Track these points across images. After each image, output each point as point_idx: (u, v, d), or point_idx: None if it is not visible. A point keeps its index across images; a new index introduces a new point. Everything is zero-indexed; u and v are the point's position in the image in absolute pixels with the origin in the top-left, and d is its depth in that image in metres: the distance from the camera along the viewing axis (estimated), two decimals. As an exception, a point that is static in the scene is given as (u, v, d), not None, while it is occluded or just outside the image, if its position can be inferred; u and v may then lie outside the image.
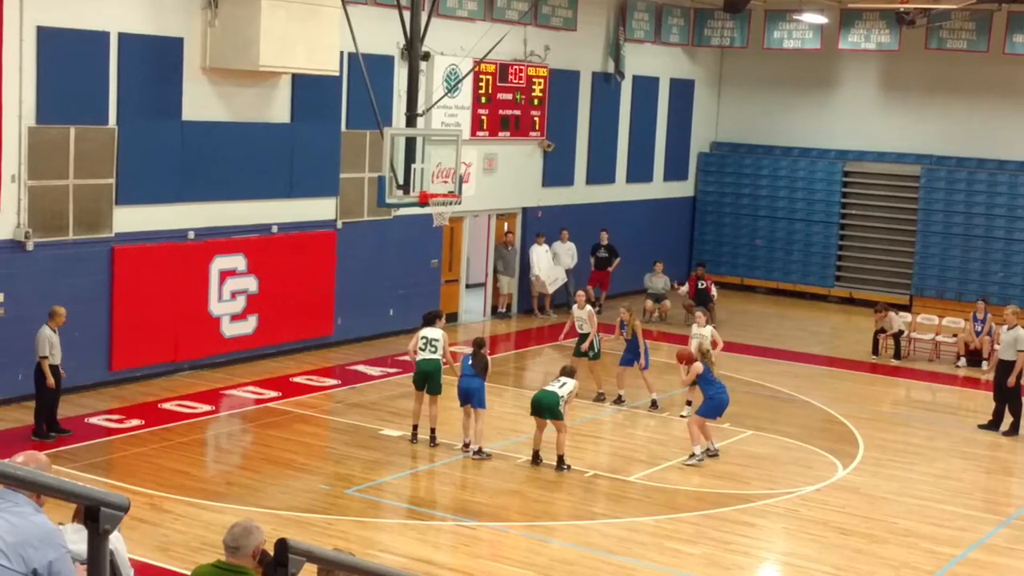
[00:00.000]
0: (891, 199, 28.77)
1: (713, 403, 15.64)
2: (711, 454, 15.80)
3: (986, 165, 27.82)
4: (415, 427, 15.97)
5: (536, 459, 15.16)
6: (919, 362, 22.91)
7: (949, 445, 17.58)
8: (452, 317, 23.78)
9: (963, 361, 22.69)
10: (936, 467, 16.44)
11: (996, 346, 22.43)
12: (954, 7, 24.40)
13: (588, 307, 18.78)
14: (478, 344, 15.85)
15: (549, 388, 15.18)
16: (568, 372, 15.51)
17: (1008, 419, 17.98)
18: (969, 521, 14.10)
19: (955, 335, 23.28)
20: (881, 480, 15.38)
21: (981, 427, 18.20)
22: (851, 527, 13.60)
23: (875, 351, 23.02)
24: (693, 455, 15.59)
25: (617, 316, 18.65)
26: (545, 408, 14.93)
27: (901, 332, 23.04)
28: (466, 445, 15.57)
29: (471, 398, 15.40)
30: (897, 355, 22.94)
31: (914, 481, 15.53)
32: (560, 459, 14.99)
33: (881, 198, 28.92)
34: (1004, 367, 18.22)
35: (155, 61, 17.66)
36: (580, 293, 19.35)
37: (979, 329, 22.50)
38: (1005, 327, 18.64)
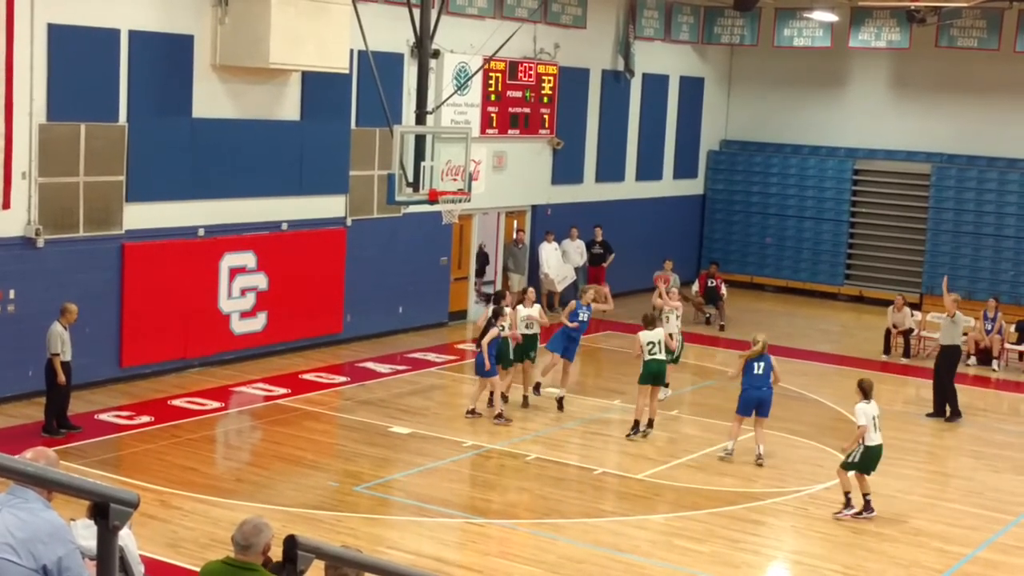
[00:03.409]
0: (901, 197, 28.72)
1: (741, 398, 15.75)
2: (727, 452, 15.87)
3: (997, 163, 27.76)
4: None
5: (637, 428, 16.38)
6: (929, 361, 22.82)
7: (959, 444, 17.54)
8: (461, 315, 23.82)
9: (973, 360, 22.63)
10: (946, 466, 16.41)
11: (1007, 344, 22.48)
12: (965, 5, 24.34)
13: (536, 306, 18.38)
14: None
15: (658, 357, 16.27)
16: (650, 321, 16.65)
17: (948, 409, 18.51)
18: (979, 520, 14.06)
19: (965, 334, 23.19)
20: (891, 479, 15.33)
21: (929, 415, 18.61)
22: (861, 526, 13.58)
23: (886, 350, 22.97)
24: (726, 449, 15.93)
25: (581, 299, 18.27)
26: (659, 375, 16.42)
27: (911, 330, 23.00)
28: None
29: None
30: (906, 353, 22.91)
31: (924, 480, 15.50)
32: (651, 421, 16.43)
33: (891, 196, 28.87)
34: (947, 353, 18.80)
35: (165, 58, 17.70)
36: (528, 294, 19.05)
37: (989, 328, 22.44)
38: (946, 316, 19.13)
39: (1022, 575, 12.67)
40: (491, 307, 17.37)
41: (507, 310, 17.30)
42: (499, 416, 16.72)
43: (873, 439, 13.65)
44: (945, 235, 27.96)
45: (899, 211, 28.76)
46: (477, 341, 17.23)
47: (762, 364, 15.63)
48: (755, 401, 15.65)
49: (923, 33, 25.67)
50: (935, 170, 28.09)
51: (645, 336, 16.45)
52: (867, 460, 13.70)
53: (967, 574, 12.46)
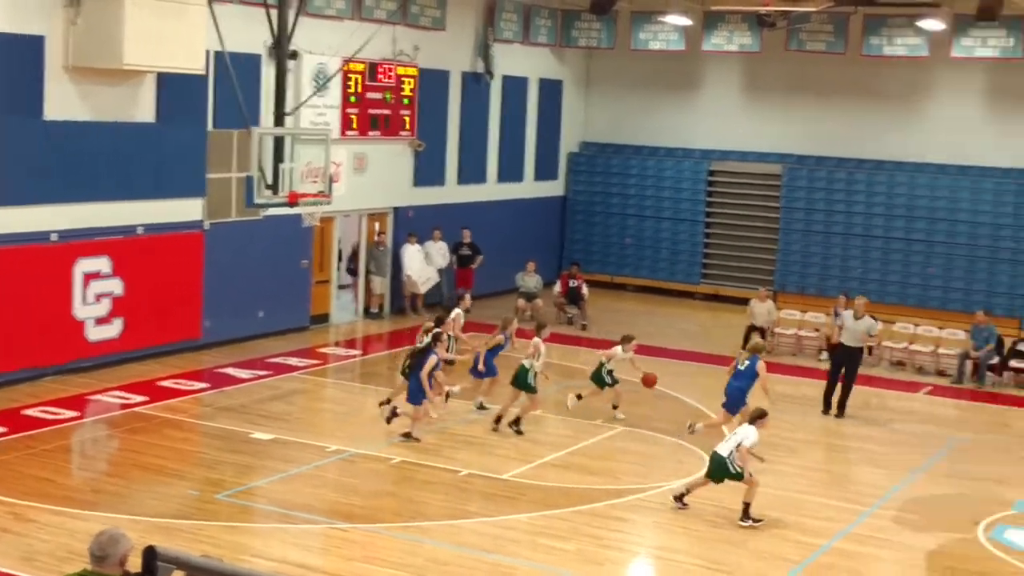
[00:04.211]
0: (754, 197, 29.42)
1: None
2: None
3: (845, 164, 28.62)
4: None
5: (498, 421, 17.02)
6: (783, 356, 23.46)
7: (813, 437, 18.01)
8: (323, 318, 23.64)
9: (825, 355, 23.26)
10: (802, 459, 16.83)
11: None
12: (813, 10, 25.03)
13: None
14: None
15: (525, 363, 17.02)
16: (539, 327, 17.62)
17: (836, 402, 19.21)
18: (835, 511, 14.46)
19: (817, 329, 23.91)
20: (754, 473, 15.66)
21: (834, 415, 19.10)
22: (720, 519, 13.86)
23: (745, 346, 23.46)
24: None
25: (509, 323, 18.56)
26: (520, 383, 16.97)
27: (764, 330, 23.59)
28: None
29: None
30: (764, 350, 23.49)
31: (781, 473, 15.86)
32: (516, 421, 16.90)
33: (745, 196, 29.57)
34: (848, 353, 19.18)
35: (15, 60, 17.17)
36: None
37: (840, 323, 23.06)
38: (851, 314, 19.49)
39: (874, 563, 13.08)
40: (431, 332, 17.01)
41: (445, 336, 17.17)
42: (407, 435, 16.30)
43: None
44: (796, 234, 28.74)
45: (752, 211, 29.46)
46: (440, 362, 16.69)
47: (746, 363, 16.64)
48: (726, 392, 16.68)
49: (773, 37, 26.33)
50: (786, 171, 28.85)
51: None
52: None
53: (822, 564, 12.81)
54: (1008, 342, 22.45)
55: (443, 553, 12.40)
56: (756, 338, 17.04)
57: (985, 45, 25.05)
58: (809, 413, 19.26)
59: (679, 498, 14.10)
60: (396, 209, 25.42)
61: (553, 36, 28.67)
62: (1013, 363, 22.12)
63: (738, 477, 13.84)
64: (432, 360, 16.12)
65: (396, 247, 25.17)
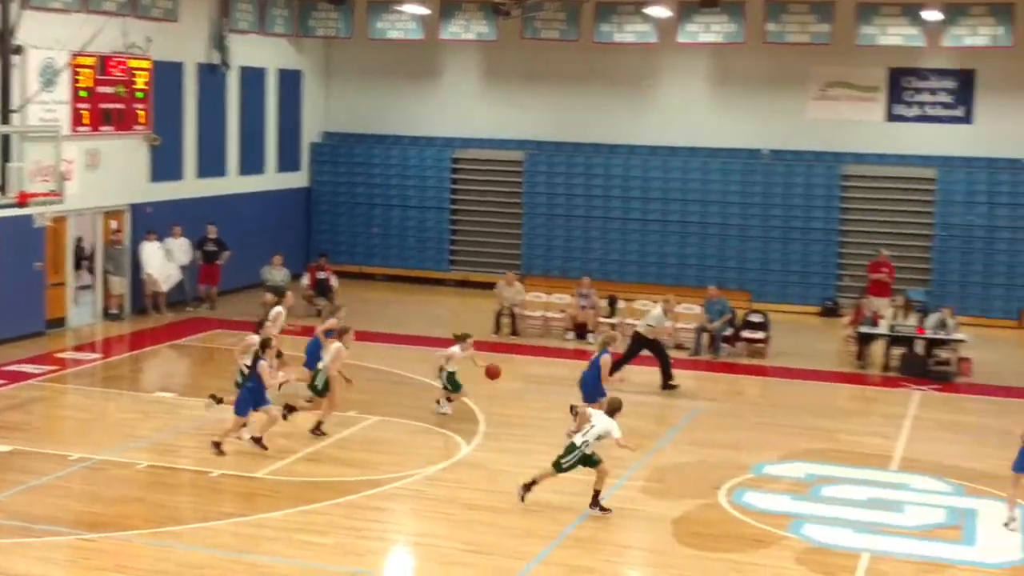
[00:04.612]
0: (498, 184, 29.92)
1: None
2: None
3: (583, 149, 29.43)
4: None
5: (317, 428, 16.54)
6: (531, 337, 23.98)
7: (564, 415, 18.45)
8: (59, 322, 22.74)
9: (571, 335, 23.96)
10: (554, 438, 17.21)
11: (600, 319, 23.89)
12: (546, -2, 25.61)
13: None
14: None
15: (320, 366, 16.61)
16: (341, 332, 16.91)
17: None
18: (584, 485, 14.79)
19: (563, 311, 24.54)
20: (503, 454, 16.01)
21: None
22: (477, 502, 14.09)
23: (496, 329, 23.95)
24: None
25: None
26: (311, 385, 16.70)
27: (513, 313, 24.06)
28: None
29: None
30: (515, 331, 23.98)
31: (534, 452, 16.19)
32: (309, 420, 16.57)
33: (488, 183, 30.03)
34: (648, 342, 20.45)
35: None
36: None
37: (584, 304, 23.83)
38: (661, 312, 20.79)
39: (625, 533, 13.59)
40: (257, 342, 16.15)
41: (273, 342, 16.22)
42: (216, 445, 15.61)
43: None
44: (540, 218, 29.39)
45: (496, 197, 29.95)
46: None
47: (597, 355, 17.00)
48: (580, 383, 16.97)
49: (509, 25, 26.77)
50: (527, 157, 29.45)
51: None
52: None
53: (575, 538, 13.19)
54: (740, 314, 23.61)
55: (197, 556, 12.16)
56: (609, 331, 17.89)
57: (709, 31, 26.17)
58: (558, 393, 19.72)
59: (525, 490, 13.97)
60: (133, 206, 24.65)
61: (290, 26, 28.36)
62: (745, 333, 23.28)
63: (562, 468, 13.88)
64: (263, 366, 15.54)
65: (135, 245, 24.44)
